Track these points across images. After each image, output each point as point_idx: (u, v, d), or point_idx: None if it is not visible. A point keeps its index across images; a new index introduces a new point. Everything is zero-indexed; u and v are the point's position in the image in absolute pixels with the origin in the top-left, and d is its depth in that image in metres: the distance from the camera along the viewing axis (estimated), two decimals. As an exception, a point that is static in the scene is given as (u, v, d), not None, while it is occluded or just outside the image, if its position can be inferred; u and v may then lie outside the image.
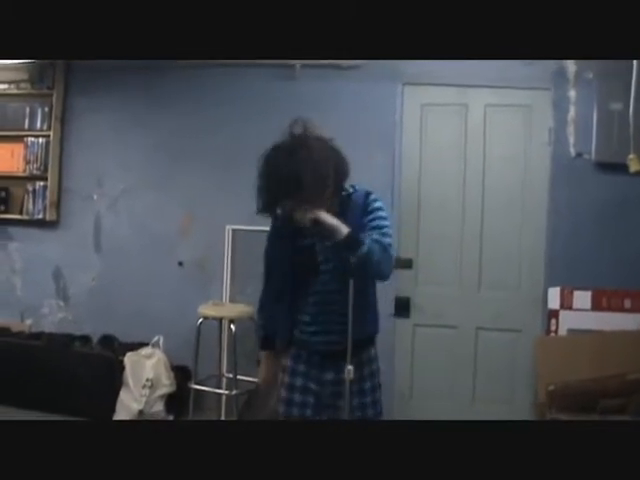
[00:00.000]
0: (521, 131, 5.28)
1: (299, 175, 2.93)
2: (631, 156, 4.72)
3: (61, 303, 6.16)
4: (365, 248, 2.98)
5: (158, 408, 5.43)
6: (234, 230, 5.66)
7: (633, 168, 4.73)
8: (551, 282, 5.14)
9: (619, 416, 4.45)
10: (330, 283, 3.15)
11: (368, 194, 3.20)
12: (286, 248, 3.23)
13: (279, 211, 3.10)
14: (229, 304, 5.62)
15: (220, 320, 5.48)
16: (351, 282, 3.00)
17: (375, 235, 3.05)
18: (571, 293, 5.09)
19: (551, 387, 4.68)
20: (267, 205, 3.09)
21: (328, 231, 3.00)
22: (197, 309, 5.34)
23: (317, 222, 2.98)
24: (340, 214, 3.07)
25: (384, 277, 3.16)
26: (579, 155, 5.13)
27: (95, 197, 6.07)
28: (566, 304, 5.09)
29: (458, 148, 5.37)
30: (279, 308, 3.27)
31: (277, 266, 3.31)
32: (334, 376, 3.18)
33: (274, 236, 3.34)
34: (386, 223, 3.14)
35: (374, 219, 3.13)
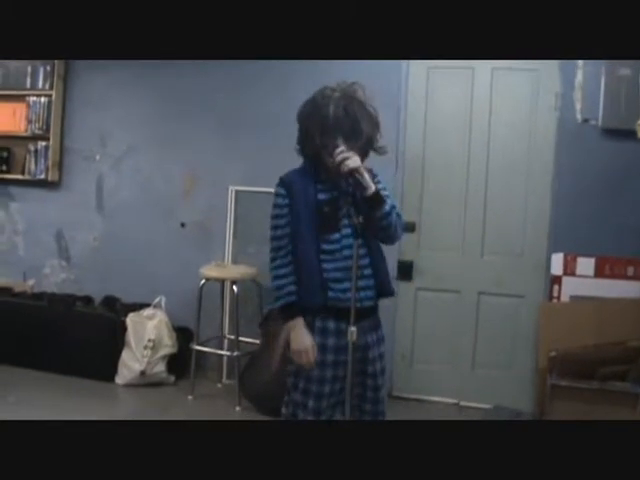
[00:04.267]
0: (528, 95, 5.23)
1: (358, 117, 3.04)
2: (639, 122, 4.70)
3: (63, 263, 6.16)
4: (387, 207, 3.04)
5: (160, 369, 5.45)
6: (237, 191, 5.64)
7: (641, 134, 4.72)
8: (555, 248, 5.12)
9: (619, 383, 4.47)
10: (352, 239, 3.05)
11: (371, 170, 3.18)
12: (309, 201, 3.15)
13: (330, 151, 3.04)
14: (231, 265, 5.62)
15: (222, 281, 5.48)
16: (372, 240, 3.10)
17: (390, 202, 3.10)
18: (574, 259, 5.08)
19: (552, 353, 4.69)
20: (316, 147, 3.09)
21: (360, 184, 3.00)
22: (199, 270, 5.33)
23: (356, 172, 2.99)
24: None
25: (395, 240, 3.22)
26: (586, 121, 5.08)
27: (97, 157, 6.05)
28: (569, 270, 5.09)
29: (464, 112, 5.33)
30: (307, 268, 3.14)
31: (299, 220, 3.17)
32: (363, 338, 3.12)
33: (297, 188, 3.20)
34: (390, 195, 3.19)
35: (383, 189, 3.14)
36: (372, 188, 3.00)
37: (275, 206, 3.26)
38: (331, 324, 3.12)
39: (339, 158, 2.97)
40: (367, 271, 3.15)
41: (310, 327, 3.13)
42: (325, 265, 3.13)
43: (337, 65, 5.31)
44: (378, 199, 3.03)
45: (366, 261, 3.14)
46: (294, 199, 3.18)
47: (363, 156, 3.12)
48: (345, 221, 3.13)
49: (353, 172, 2.98)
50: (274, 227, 3.27)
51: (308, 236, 3.14)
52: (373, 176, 3.14)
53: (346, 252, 3.10)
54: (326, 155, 3.07)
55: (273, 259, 3.26)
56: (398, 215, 3.14)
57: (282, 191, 3.23)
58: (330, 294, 3.11)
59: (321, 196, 3.16)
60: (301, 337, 3.10)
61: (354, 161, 2.97)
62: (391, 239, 3.20)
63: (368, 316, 3.15)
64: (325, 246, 3.13)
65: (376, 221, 3.06)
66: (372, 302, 3.17)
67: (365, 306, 3.12)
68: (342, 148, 2.98)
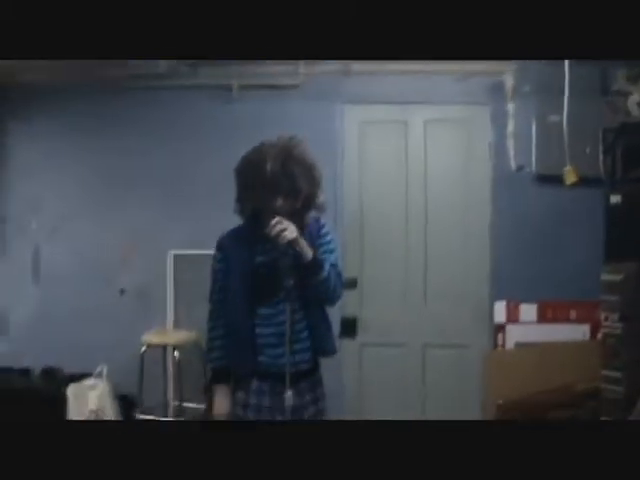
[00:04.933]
0: (461, 146, 5.30)
1: (296, 174, 3.02)
2: (567, 168, 4.78)
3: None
4: (325, 272, 3.03)
5: (103, 440, 5.28)
6: (175, 255, 5.56)
7: (569, 180, 4.79)
8: (497, 296, 5.14)
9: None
10: (290, 302, 3.07)
11: (319, 219, 3.23)
12: (244, 264, 3.14)
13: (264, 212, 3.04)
14: (173, 331, 5.51)
15: (164, 347, 5.37)
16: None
17: (332, 259, 3.12)
18: (517, 306, 5.10)
19: (500, 401, 4.66)
20: (253, 206, 3.09)
21: (298, 252, 2.99)
22: (140, 337, 5.22)
23: (294, 243, 2.97)
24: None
25: (336, 301, 3.23)
26: (519, 168, 5.15)
27: (33, 226, 5.92)
28: (512, 317, 5.10)
29: (399, 165, 5.37)
30: (238, 333, 3.14)
31: (234, 284, 3.17)
32: (299, 399, 3.11)
33: (233, 250, 3.21)
34: (335, 248, 3.21)
35: (327, 243, 3.17)
36: (309, 256, 2.99)
37: (212, 270, 3.24)
38: (266, 386, 3.10)
39: (276, 230, 2.93)
40: (303, 334, 3.12)
41: (246, 388, 3.12)
42: (259, 330, 3.11)
43: (273, 123, 5.36)
44: (316, 265, 3.02)
45: (302, 324, 3.11)
46: (229, 262, 3.18)
47: (303, 215, 3.10)
48: (281, 284, 3.09)
49: (291, 243, 2.96)
50: (210, 291, 3.25)
51: (242, 300, 3.12)
52: (320, 227, 3.19)
53: (282, 317, 3.06)
54: (265, 214, 3.03)
55: (208, 322, 3.23)
56: (338, 275, 3.14)
57: (217, 254, 3.23)
58: (262, 359, 3.09)
59: (258, 259, 3.14)
60: (219, 404, 3.18)
61: (291, 232, 2.95)
62: (331, 301, 3.21)
63: (305, 377, 3.12)
64: (262, 310, 3.10)
65: (315, 286, 3.06)
66: (309, 365, 3.14)
67: (301, 369, 3.09)
68: (278, 219, 2.94)
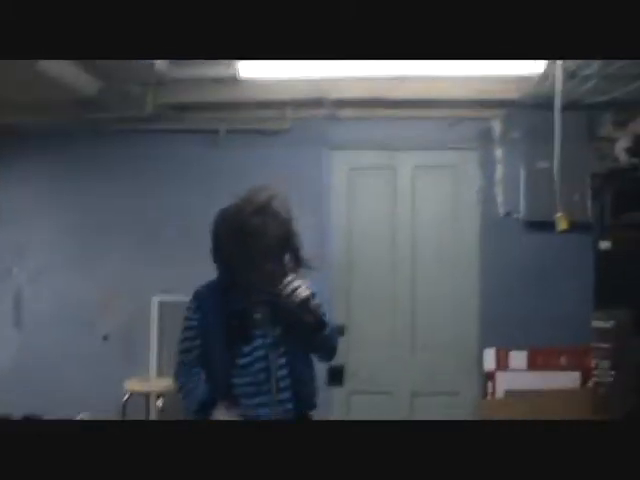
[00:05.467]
0: (450, 192, 5.28)
1: (284, 234, 2.93)
2: (558, 215, 4.76)
3: (-22, 383, 5.86)
4: (328, 330, 2.98)
5: (84, 491, 5.15)
6: (160, 302, 5.48)
7: (560, 227, 4.77)
8: (486, 343, 5.08)
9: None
10: (264, 350, 3.01)
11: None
12: (218, 313, 3.07)
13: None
14: (156, 378, 5.41)
15: (147, 395, 5.26)
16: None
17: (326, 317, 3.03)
18: (506, 353, 5.04)
19: (491, 451, 4.58)
20: (227, 256, 3.01)
21: (310, 313, 2.90)
22: (123, 384, 5.12)
23: (307, 301, 2.88)
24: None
25: (332, 358, 3.20)
26: (508, 214, 5.13)
27: (14, 270, 5.83)
28: (502, 365, 5.04)
29: (388, 211, 5.34)
30: (213, 384, 3.07)
31: (208, 334, 3.10)
32: None
33: (208, 301, 3.14)
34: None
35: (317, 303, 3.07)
36: (318, 315, 2.92)
37: (184, 319, 3.19)
38: None
39: (289, 289, 2.86)
40: (284, 383, 3.03)
41: None
42: (235, 380, 3.02)
43: (259, 168, 5.32)
44: (321, 323, 2.95)
45: (284, 372, 3.03)
46: (204, 313, 3.11)
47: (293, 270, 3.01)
48: (257, 332, 3.02)
49: (304, 302, 2.87)
50: (180, 341, 3.21)
51: (217, 350, 3.06)
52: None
53: (258, 365, 3.00)
54: (239, 268, 2.98)
55: (175, 374, 3.21)
56: (334, 332, 3.11)
57: (192, 305, 3.18)
58: (240, 410, 3.00)
59: (232, 307, 3.06)
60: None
61: (304, 290, 2.87)
62: (329, 358, 3.20)
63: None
64: (239, 360, 3.02)
65: (316, 343, 3.03)
66: (291, 414, 3.03)
67: (283, 420, 3.01)
68: (291, 277, 2.88)
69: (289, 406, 3.04)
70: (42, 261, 5.77)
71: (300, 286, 2.87)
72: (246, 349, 3.01)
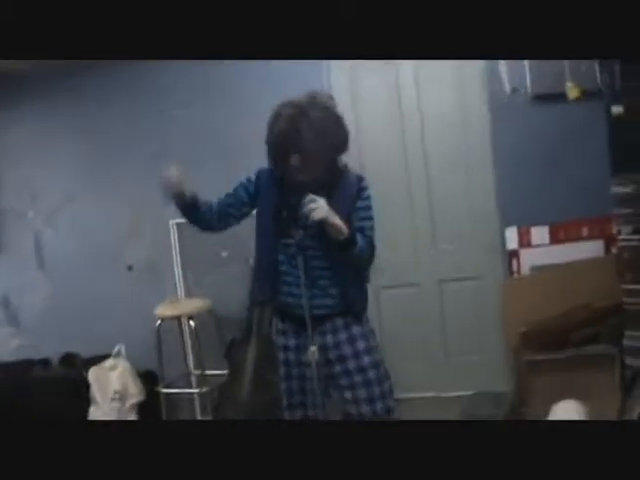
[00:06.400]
0: (453, 77, 5.16)
1: (298, 134, 2.98)
2: (569, 84, 4.69)
3: (14, 330, 5.95)
4: (357, 249, 3.03)
5: (131, 418, 5.28)
6: (178, 224, 5.48)
7: (572, 95, 4.71)
8: (507, 223, 5.06)
9: (594, 346, 4.41)
10: (314, 243, 3.11)
11: (361, 179, 3.24)
12: (270, 200, 3.20)
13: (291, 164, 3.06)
14: (185, 300, 5.46)
15: (178, 318, 5.32)
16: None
17: (367, 231, 3.12)
18: (528, 230, 5.02)
19: (523, 329, 4.61)
20: (271, 158, 3.13)
21: (330, 230, 2.97)
22: (154, 311, 5.17)
23: (325, 222, 2.95)
24: (330, 190, 3.09)
25: (365, 269, 3.25)
26: (515, 90, 5.03)
27: (30, 214, 5.85)
28: (524, 242, 5.03)
29: (392, 106, 5.25)
30: (261, 263, 3.26)
31: (260, 217, 3.27)
32: (326, 338, 3.19)
33: (265, 184, 3.27)
34: (372, 215, 3.21)
35: (366, 208, 3.18)
36: (341, 234, 2.96)
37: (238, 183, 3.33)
38: (289, 327, 3.22)
39: (306, 209, 2.92)
40: (324, 281, 3.14)
41: (272, 328, 3.24)
42: (281, 267, 3.17)
43: (257, 72, 5.23)
44: (348, 243, 3.00)
45: (325, 271, 3.13)
46: (259, 192, 3.26)
47: (326, 173, 3.08)
48: (303, 229, 3.10)
49: (322, 222, 2.94)
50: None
51: (268, 234, 3.19)
52: (361, 188, 3.19)
53: (300, 258, 3.09)
54: (280, 168, 3.11)
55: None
56: (372, 247, 3.15)
57: (252, 178, 3.30)
58: (281, 297, 3.18)
59: (282, 199, 3.16)
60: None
61: (320, 211, 2.91)
62: (363, 268, 3.23)
63: (331, 320, 3.17)
64: (283, 252, 3.15)
65: (347, 259, 3.07)
66: (331, 310, 3.15)
67: (320, 314, 3.12)
68: (310, 197, 2.93)
69: (328, 301, 3.15)
70: (56, 200, 5.79)
71: (316, 207, 2.91)
72: (289, 241, 3.12)
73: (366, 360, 3.19)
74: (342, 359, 3.18)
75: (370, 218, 3.19)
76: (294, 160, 3.02)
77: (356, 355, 3.18)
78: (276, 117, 3.07)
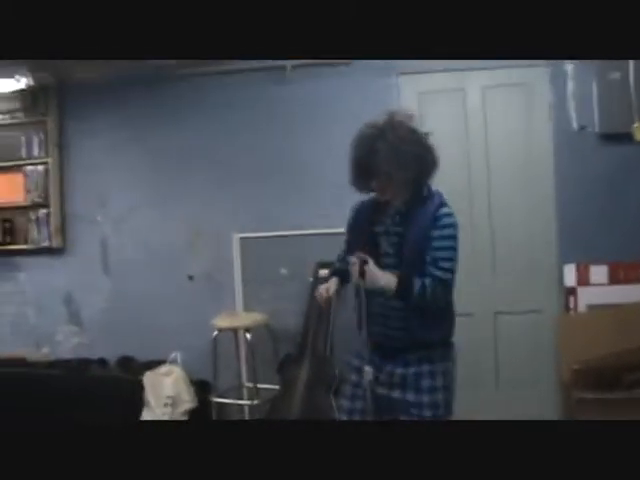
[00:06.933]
0: (521, 110, 5.22)
1: (373, 159, 2.97)
2: (636, 124, 4.69)
3: (75, 328, 6.10)
4: (416, 292, 2.96)
5: (182, 425, 5.37)
6: (241, 238, 5.60)
7: (639, 136, 4.70)
8: (566, 259, 5.06)
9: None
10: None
11: (442, 205, 3.13)
12: (363, 229, 3.21)
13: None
14: (243, 313, 5.56)
15: (235, 330, 5.42)
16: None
17: (441, 263, 3.01)
18: (587, 268, 5.02)
19: (575, 366, 4.60)
20: (352, 181, 3.12)
21: (376, 287, 2.98)
22: (211, 321, 5.28)
23: (363, 277, 2.96)
24: (408, 213, 3.09)
25: (438, 308, 3.11)
26: (582, 128, 5.06)
27: (99, 219, 6.02)
28: (583, 280, 5.02)
29: (459, 134, 5.31)
30: None
31: (350, 245, 3.30)
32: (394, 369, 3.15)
33: (358, 214, 3.32)
34: (452, 245, 3.06)
35: (441, 238, 3.04)
36: (392, 287, 2.96)
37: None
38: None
39: (352, 270, 3.01)
40: (397, 313, 3.09)
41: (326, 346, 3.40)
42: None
43: (328, 101, 5.36)
44: (402, 291, 2.98)
45: (389, 310, 3.09)
46: (352, 222, 3.32)
47: (404, 194, 3.09)
48: (386, 259, 3.10)
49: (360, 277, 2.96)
50: None
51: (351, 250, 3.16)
52: (438, 206, 3.10)
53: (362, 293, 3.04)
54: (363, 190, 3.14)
55: None
56: (443, 286, 3.03)
57: (349, 214, 3.36)
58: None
59: (377, 228, 3.17)
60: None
61: (359, 268, 2.94)
62: (432, 308, 3.09)
63: (403, 353, 3.12)
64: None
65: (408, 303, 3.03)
66: (402, 343, 3.10)
67: (394, 345, 3.11)
68: (354, 258, 2.98)
69: (398, 334, 3.10)
70: (124, 208, 5.94)
71: (355, 263, 2.97)
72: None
73: (425, 399, 3.12)
74: (403, 390, 3.13)
75: (446, 248, 3.03)
76: (375, 183, 3.04)
77: (418, 390, 3.12)
78: (356, 139, 3.07)
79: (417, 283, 2.96)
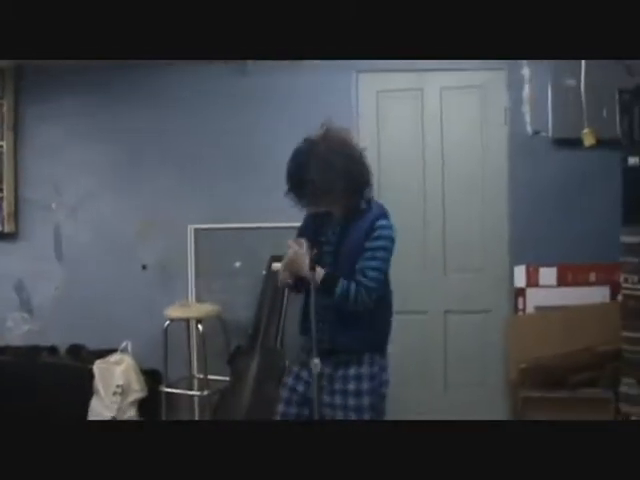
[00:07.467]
0: (477, 112, 5.29)
1: (305, 173, 3.02)
2: (585, 130, 4.78)
3: (25, 315, 6.03)
4: (339, 291, 3.06)
5: (131, 414, 5.35)
6: (196, 229, 5.60)
7: (587, 142, 4.79)
8: (516, 261, 5.15)
9: (590, 389, 4.48)
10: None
11: (380, 217, 3.19)
12: (308, 238, 3.20)
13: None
14: (196, 304, 5.56)
15: (187, 321, 5.42)
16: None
17: (369, 272, 3.10)
18: (536, 270, 5.11)
19: (522, 365, 4.69)
20: (286, 193, 3.15)
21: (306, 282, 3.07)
22: (163, 311, 5.27)
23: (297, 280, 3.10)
24: (347, 225, 3.18)
25: (360, 308, 3.15)
26: (536, 133, 5.15)
27: (53, 206, 5.96)
28: (532, 281, 5.11)
29: (416, 133, 5.37)
30: None
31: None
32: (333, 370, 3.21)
33: (304, 221, 3.41)
34: (382, 256, 3.16)
35: (373, 249, 3.13)
36: (317, 279, 3.03)
37: None
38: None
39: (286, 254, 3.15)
40: (329, 315, 3.14)
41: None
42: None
43: (287, 96, 5.37)
44: (327, 285, 3.07)
45: (325, 311, 3.13)
46: (301, 231, 3.36)
47: (340, 207, 3.16)
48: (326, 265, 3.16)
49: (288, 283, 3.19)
50: None
51: None
52: (376, 217, 3.17)
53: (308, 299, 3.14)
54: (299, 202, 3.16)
55: None
56: (367, 292, 3.10)
57: (302, 222, 3.43)
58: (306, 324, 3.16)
59: (320, 238, 3.24)
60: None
61: (286, 276, 3.15)
62: (354, 309, 3.15)
63: (336, 355, 3.18)
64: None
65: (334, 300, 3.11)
66: (329, 345, 3.15)
67: (326, 347, 3.12)
68: (289, 243, 3.12)
69: (325, 336, 3.13)
70: (79, 195, 5.89)
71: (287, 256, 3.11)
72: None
73: (351, 402, 3.17)
74: (340, 394, 3.18)
75: (376, 259, 3.13)
76: (308, 195, 3.10)
77: (352, 394, 3.17)
78: (292, 152, 3.15)
79: (343, 284, 3.07)
